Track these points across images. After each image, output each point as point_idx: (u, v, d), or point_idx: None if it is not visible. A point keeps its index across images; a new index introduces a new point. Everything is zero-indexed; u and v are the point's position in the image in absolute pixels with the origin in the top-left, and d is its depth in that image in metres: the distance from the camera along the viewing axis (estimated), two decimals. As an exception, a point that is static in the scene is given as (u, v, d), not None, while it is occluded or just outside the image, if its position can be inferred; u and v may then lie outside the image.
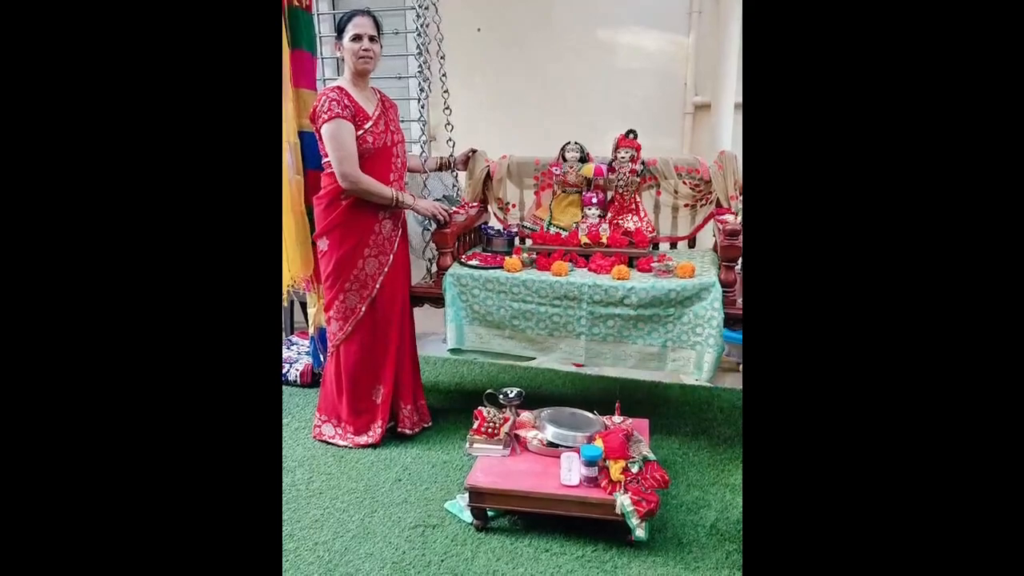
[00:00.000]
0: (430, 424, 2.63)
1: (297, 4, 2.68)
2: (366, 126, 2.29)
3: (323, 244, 2.39)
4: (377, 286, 2.40)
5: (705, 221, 2.67)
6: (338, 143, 2.23)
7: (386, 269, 2.40)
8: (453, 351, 2.49)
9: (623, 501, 1.79)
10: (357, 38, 2.25)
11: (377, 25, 2.31)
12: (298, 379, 3.06)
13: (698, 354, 2.22)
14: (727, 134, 3.17)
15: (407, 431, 2.53)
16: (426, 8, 2.48)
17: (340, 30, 2.29)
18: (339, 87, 2.28)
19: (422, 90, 2.55)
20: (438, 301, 2.50)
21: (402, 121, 2.55)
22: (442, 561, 1.82)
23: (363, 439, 2.47)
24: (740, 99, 3.07)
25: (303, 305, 3.17)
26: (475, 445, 2.12)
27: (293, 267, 2.78)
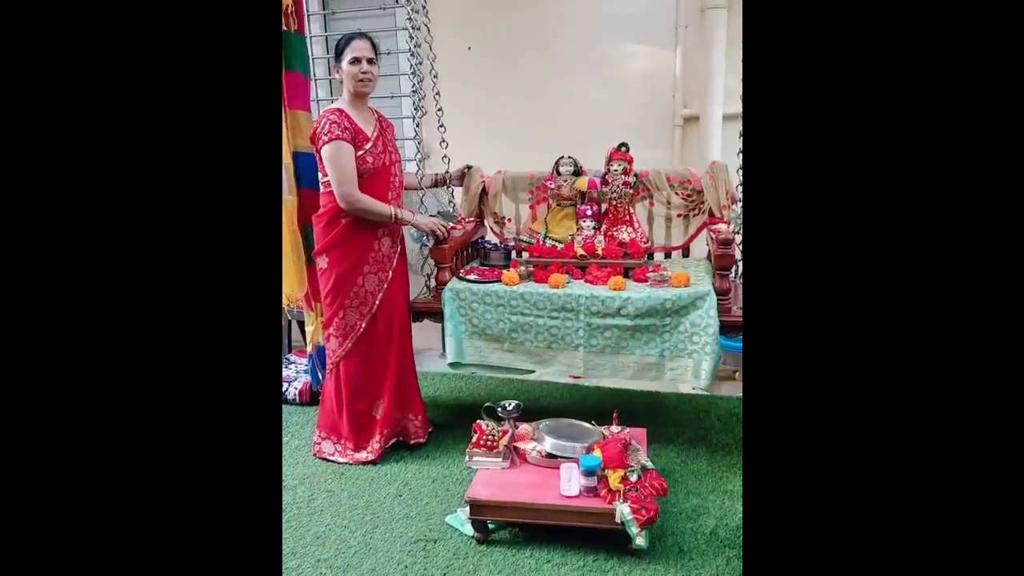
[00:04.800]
0: (432, 428, 2.69)
1: (289, 28, 2.72)
2: (366, 147, 2.32)
3: (323, 262, 2.42)
4: (377, 302, 2.42)
5: (698, 231, 2.72)
6: (337, 165, 2.26)
7: (385, 285, 2.43)
8: (453, 365, 2.52)
9: (622, 510, 1.81)
10: (356, 61, 2.30)
11: (375, 47, 2.35)
12: (297, 398, 3.07)
13: (695, 362, 2.24)
14: (716, 145, 3.21)
15: (420, 440, 2.59)
16: (418, 29, 2.54)
17: (339, 53, 2.33)
18: (339, 109, 2.32)
19: (417, 108, 2.60)
20: (437, 316, 2.53)
21: (398, 140, 2.59)
22: (444, 575, 1.83)
23: (363, 455, 2.47)
24: (727, 110, 3.12)
25: (300, 324, 3.19)
26: (474, 458, 2.13)
27: (288, 286, 2.80)
